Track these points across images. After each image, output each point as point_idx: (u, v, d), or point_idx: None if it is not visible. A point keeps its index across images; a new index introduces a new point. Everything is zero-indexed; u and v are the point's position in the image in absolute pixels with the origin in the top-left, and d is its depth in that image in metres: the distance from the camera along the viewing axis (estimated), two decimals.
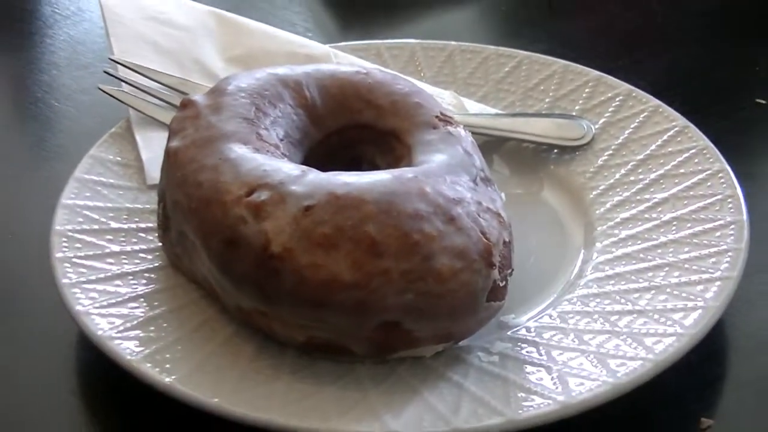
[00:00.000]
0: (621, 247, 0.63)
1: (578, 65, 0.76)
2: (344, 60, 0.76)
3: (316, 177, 0.56)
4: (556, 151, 0.71)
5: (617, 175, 0.68)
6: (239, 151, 0.58)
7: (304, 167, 0.57)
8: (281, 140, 0.61)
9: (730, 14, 0.90)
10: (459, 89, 0.75)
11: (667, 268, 0.61)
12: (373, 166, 0.62)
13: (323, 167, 0.58)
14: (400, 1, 0.94)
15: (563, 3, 0.94)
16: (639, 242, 0.63)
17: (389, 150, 0.63)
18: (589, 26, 0.89)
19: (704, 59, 0.85)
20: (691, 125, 0.70)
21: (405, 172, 0.57)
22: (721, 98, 0.80)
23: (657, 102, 0.72)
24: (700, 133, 0.69)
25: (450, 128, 0.62)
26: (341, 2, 0.95)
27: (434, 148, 0.61)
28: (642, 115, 0.72)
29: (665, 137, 0.70)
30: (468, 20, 0.94)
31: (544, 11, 0.92)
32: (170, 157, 0.60)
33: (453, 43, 0.79)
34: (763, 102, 0.79)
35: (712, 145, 0.68)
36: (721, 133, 0.70)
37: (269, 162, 0.57)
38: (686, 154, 0.68)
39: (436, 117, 0.63)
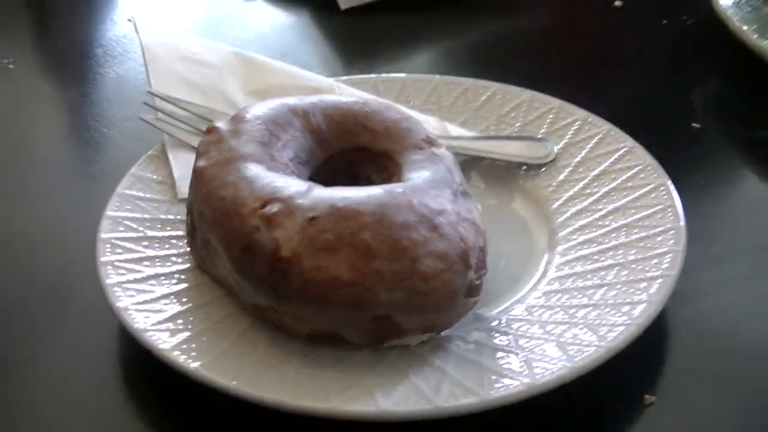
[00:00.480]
0: (579, 250, 0.62)
1: (544, 95, 0.74)
2: (346, 91, 0.75)
3: (319, 192, 0.55)
4: (524, 168, 0.70)
5: (576, 189, 0.67)
6: (255, 170, 0.57)
7: (309, 183, 0.56)
8: (291, 160, 0.60)
9: (671, 54, 0.89)
10: (443, 115, 0.74)
11: (617, 268, 0.60)
12: (370, 182, 0.61)
13: (327, 183, 0.57)
14: (395, 39, 0.93)
15: (531, 43, 0.93)
16: (594, 245, 0.62)
17: (383, 168, 0.62)
18: (553, 62, 0.88)
19: (649, 90, 0.84)
20: (638, 145, 0.69)
21: (395, 187, 0.56)
22: (663, 122, 0.79)
23: (609, 126, 0.71)
24: (646, 152, 0.68)
25: (434, 149, 0.61)
26: (345, 41, 0.94)
27: (420, 166, 0.60)
28: (597, 137, 0.70)
29: (616, 156, 0.68)
30: (453, 55, 0.93)
31: (517, 50, 0.91)
32: (197, 176, 0.59)
33: (437, 76, 0.78)
34: (698, 126, 0.78)
35: (655, 163, 0.67)
36: (664, 152, 0.69)
37: (280, 179, 0.56)
38: (633, 170, 0.67)
39: (423, 140, 0.62)
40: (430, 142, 0.62)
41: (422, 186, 0.57)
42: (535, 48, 0.92)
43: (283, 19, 0.99)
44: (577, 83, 0.84)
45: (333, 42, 0.95)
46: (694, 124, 0.78)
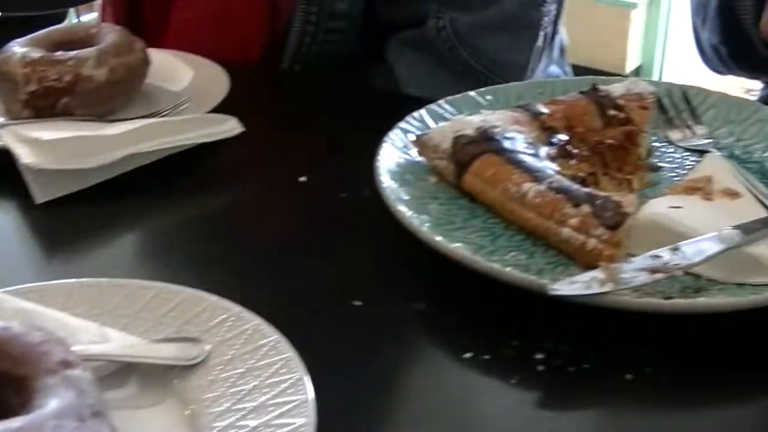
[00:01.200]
0: None
1: (203, 292, 0.77)
2: (10, 304, 0.76)
3: None
4: (178, 369, 0.72)
5: (222, 388, 0.70)
6: None
7: None
8: None
9: (343, 229, 0.93)
10: (106, 321, 0.76)
11: None
12: (9, 408, 0.62)
13: None
14: (89, 232, 0.95)
15: (219, 225, 0.96)
16: None
17: (21, 393, 0.63)
18: (232, 244, 0.91)
19: (315, 268, 0.87)
20: (284, 338, 0.71)
21: (13, 423, 0.57)
22: (327, 301, 0.82)
23: (258, 321, 0.74)
24: (289, 346, 0.71)
25: (70, 372, 0.63)
26: (41, 238, 0.96)
27: (52, 392, 0.62)
28: (247, 333, 0.73)
29: (262, 351, 0.71)
30: (142, 246, 0.95)
31: (203, 233, 0.93)
32: None
33: (104, 279, 0.79)
34: (359, 303, 0.81)
35: (296, 357, 0.70)
36: (317, 336, 0.72)
37: None
38: (276, 366, 0.70)
39: (59, 363, 0.64)
40: (67, 364, 0.63)
41: (43, 417, 0.59)
42: (223, 231, 0.94)
43: None
44: (250, 267, 0.87)
45: (29, 239, 0.96)
46: (355, 302, 0.81)
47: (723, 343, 0.78)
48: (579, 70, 2.63)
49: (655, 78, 3.18)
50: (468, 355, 0.76)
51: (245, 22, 1.27)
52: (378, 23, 1.27)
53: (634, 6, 3.08)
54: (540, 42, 1.27)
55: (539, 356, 0.76)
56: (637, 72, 3.19)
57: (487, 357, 0.76)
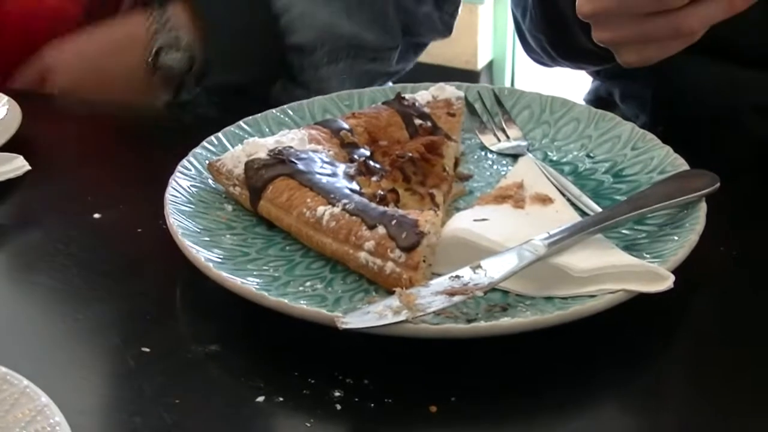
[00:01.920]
0: None
1: None
2: None
3: None
4: None
5: None
6: None
7: None
8: None
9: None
10: None
11: None
12: None
13: None
14: None
15: None
16: None
17: None
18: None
19: (88, 324, 0.81)
20: (51, 401, 0.66)
21: None
22: (103, 355, 0.76)
23: (27, 383, 0.68)
24: (56, 409, 0.66)
25: None
26: None
27: None
28: (13, 397, 0.67)
29: (29, 417, 0.66)
30: None
31: None
32: None
33: None
34: (148, 350, 0.75)
35: (63, 420, 0.65)
36: (96, 390, 0.71)
37: None
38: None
39: None
40: None
41: None
42: (5, 280, 0.88)
43: None
44: (27, 321, 0.82)
45: None
46: (143, 348, 0.76)
47: (529, 363, 0.74)
48: (431, 68, 2.61)
49: (507, 72, 3.17)
50: (260, 398, 0.71)
51: None
52: None
53: (480, 2, 3.07)
54: None
55: (337, 394, 0.71)
56: (489, 66, 3.17)
57: (281, 399, 0.71)
